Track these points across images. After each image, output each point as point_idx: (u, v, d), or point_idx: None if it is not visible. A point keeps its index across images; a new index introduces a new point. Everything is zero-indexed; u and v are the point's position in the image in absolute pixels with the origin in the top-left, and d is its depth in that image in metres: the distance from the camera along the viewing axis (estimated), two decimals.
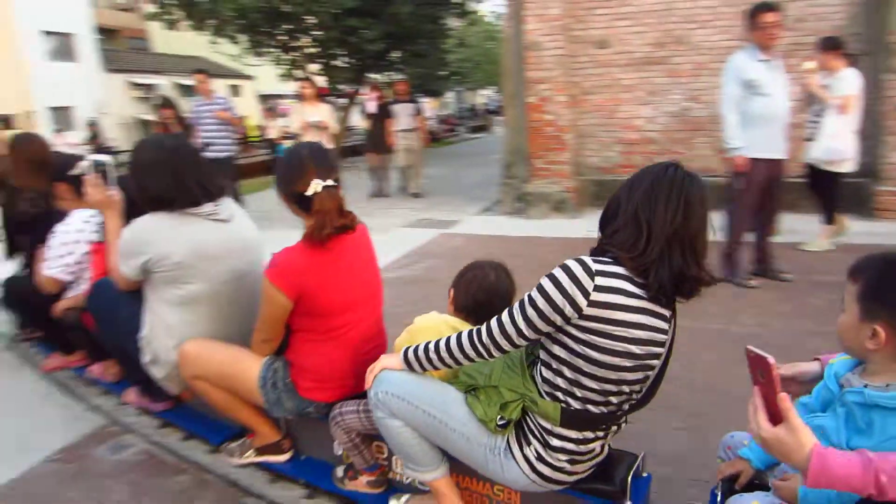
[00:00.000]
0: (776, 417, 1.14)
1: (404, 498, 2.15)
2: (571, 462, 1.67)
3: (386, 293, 2.37)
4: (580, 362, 1.55)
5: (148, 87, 26.67)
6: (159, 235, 2.27)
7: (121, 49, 31.44)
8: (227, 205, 2.46)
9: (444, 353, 1.72)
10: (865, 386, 1.27)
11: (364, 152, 10.71)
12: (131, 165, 2.40)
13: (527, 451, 1.69)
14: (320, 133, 7.53)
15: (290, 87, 19.74)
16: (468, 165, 13.60)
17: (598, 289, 1.47)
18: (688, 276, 1.53)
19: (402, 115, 9.47)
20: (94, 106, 24.38)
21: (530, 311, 1.54)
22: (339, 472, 2.30)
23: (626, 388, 1.59)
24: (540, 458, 1.67)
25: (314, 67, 15.79)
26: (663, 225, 1.50)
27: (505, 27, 8.29)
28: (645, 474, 1.95)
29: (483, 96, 46.40)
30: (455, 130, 29.60)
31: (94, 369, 3.24)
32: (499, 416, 1.68)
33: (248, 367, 2.25)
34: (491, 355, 1.66)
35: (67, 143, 12.76)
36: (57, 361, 3.46)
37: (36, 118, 21.05)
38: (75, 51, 24.47)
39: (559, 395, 1.62)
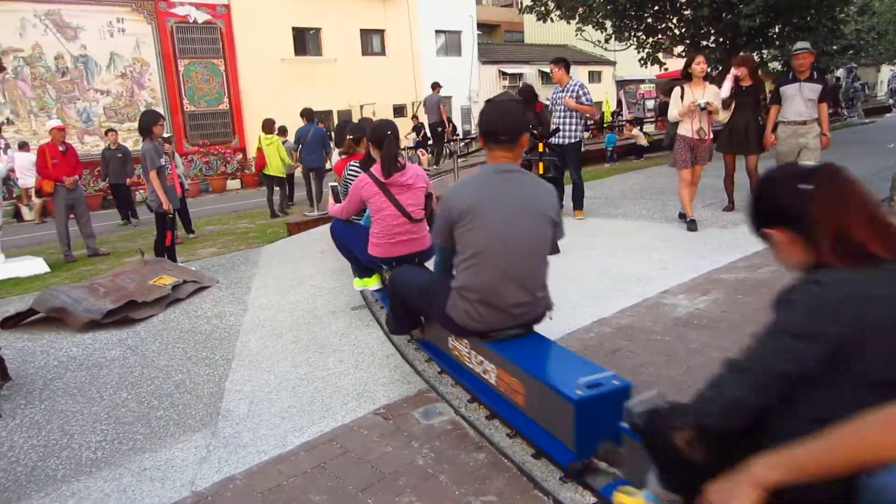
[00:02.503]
0: None
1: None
2: None
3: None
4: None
5: (515, 76, 28.55)
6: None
7: (495, 42, 34.33)
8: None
9: None
10: None
11: (722, 151, 7.01)
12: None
13: None
14: (707, 118, 6.26)
15: (648, 72, 19.20)
16: (850, 155, 11.37)
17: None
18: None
19: (798, 100, 6.45)
20: (467, 95, 27.19)
21: None
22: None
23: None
24: None
25: (678, 49, 15.05)
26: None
27: None
28: None
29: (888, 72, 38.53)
30: (839, 114, 25.34)
31: None
32: None
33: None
34: None
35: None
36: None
37: (419, 108, 24.35)
38: (459, 46, 27.40)
39: None
